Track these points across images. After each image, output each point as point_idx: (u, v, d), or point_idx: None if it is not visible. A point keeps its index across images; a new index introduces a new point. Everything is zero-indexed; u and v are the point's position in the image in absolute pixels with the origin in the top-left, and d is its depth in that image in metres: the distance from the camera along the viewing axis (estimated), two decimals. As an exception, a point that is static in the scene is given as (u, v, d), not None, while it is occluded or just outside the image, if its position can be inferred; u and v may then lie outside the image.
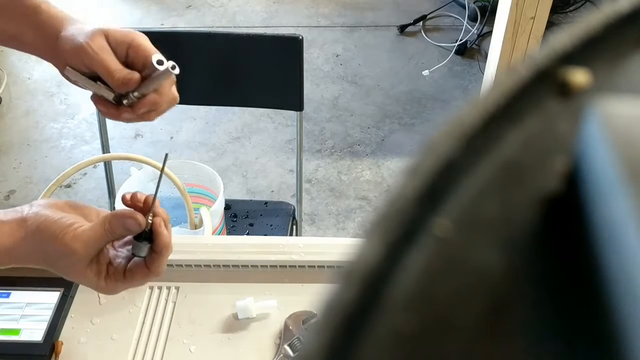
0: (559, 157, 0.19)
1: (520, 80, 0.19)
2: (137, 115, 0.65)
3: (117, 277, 0.60)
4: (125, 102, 0.64)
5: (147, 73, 0.63)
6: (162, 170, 0.66)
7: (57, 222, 0.57)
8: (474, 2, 2.77)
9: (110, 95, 0.64)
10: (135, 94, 0.64)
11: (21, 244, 0.57)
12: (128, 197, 0.63)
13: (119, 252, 0.62)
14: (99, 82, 0.64)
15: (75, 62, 0.63)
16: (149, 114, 0.65)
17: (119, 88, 0.63)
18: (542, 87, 0.20)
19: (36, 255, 0.58)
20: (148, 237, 0.61)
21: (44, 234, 0.57)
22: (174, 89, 0.66)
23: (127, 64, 0.64)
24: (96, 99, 0.66)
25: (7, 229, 0.57)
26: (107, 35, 0.62)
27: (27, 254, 0.58)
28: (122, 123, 0.78)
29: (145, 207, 0.62)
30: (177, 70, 0.62)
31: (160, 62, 0.61)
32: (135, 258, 0.61)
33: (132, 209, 0.61)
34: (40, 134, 2.30)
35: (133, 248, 0.61)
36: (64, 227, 0.57)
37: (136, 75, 0.62)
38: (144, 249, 0.61)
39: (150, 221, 0.61)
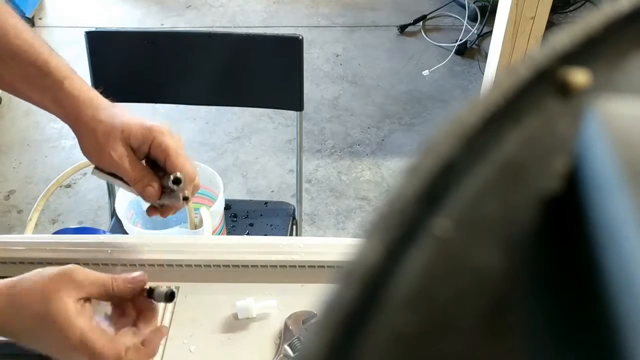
0: (559, 157, 0.19)
1: (520, 80, 0.19)
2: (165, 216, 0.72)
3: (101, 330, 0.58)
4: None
5: (165, 184, 0.66)
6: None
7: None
8: (474, 2, 2.77)
9: (135, 192, 0.68)
10: (159, 202, 0.68)
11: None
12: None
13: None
14: (124, 181, 0.68)
15: (99, 163, 0.67)
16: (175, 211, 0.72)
17: (143, 197, 0.67)
18: (542, 87, 0.20)
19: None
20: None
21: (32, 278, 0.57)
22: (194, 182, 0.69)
23: (149, 160, 0.67)
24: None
25: None
26: (128, 137, 0.65)
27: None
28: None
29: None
30: (185, 193, 0.66)
31: (176, 180, 0.64)
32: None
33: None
34: (40, 134, 2.30)
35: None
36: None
37: (151, 190, 0.66)
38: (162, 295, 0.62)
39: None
